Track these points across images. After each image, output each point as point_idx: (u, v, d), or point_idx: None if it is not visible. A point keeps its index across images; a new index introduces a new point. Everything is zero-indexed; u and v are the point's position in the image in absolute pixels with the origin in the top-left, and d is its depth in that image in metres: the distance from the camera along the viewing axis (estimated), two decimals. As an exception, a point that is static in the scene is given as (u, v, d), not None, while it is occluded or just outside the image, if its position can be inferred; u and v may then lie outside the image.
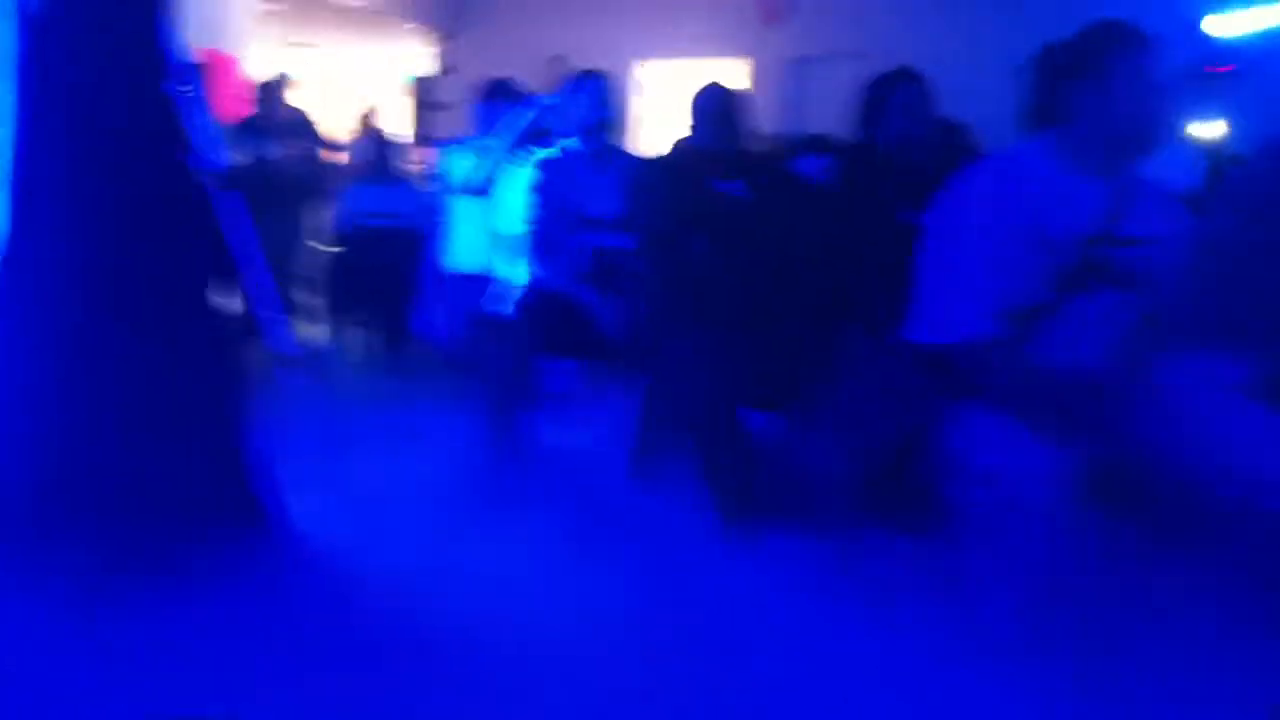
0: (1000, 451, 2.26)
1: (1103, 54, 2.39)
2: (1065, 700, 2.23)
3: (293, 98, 6.41)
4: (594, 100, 3.98)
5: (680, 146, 3.92)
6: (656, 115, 8.75)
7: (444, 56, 10.31)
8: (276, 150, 5.81)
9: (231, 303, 3.91)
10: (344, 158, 6.72)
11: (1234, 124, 6.66)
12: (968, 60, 6.53)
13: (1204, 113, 6.56)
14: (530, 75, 5.55)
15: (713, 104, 3.77)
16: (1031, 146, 2.52)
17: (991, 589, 2.34)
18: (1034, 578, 2.21)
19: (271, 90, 6.24)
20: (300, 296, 5.75)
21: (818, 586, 2.94)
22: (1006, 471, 2.22)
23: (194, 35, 3.19)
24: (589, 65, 4.13)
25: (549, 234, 3.91)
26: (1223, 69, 6.98)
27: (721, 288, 3.53)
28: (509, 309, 3.90)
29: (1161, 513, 2.10)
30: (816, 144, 4.47)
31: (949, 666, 2.42)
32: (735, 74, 8.72)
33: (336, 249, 5.92)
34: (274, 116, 6.07)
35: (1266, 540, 1.46)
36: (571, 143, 4.00)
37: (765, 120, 6.46)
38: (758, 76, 9.18)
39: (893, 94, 3.32)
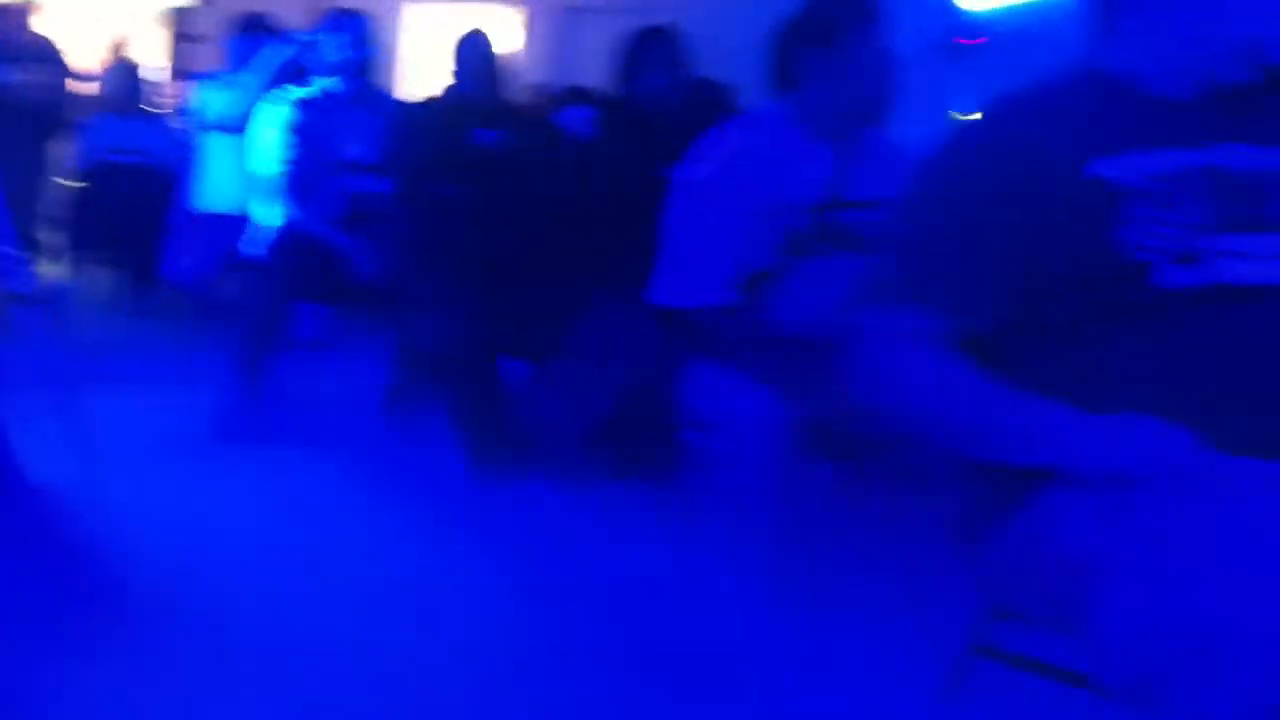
0: (725, 403, 2.37)
1: (835, 22, 2.46)
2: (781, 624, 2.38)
3: (36, 23, 6.05)
4: (353, 40, 3.91)
5: (442, 94, 3.90)
6: (424, 59, 8.60)
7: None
8: (17, 78, 5.49)
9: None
10: (91, 89, 6.38)
11: (982, 96, 6.96)
12: (739, 20, 6.64)
13: (953, 84, 6.85)
14: (288, 11, 5.39)
15: (474, 53, 3.77)
16: (769, 111, 2.60)
17: (715, 524, 2.47)
18: (753, 514, 2.34)
19: (13, 15, 5.86)
20: (41, 233, 5.46)
21: (563, 526, 3.03)
22: (730, 421, 2.34)
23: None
24: (351, 4, 4.05)
25: (304, 176, 3.83)
26: (972, 41, 7.28)
27: (476, 236, 3.55)
28: (262, 252, 3.81)
29: (874, 460, 2.25)
30: (579, 96, 4.49)
31: (679, 594, 2.56)
32: (508, 21, 8.64)
33: (81, 184, 5.64)
34: (15, 42, 5.71)
35: (958, 486, 1.58)
36: (330, 83, 3.92)
37: (537, 70, 6.44)
38: (531, 25, 9.12)
39: (646, 51, 3.37)
